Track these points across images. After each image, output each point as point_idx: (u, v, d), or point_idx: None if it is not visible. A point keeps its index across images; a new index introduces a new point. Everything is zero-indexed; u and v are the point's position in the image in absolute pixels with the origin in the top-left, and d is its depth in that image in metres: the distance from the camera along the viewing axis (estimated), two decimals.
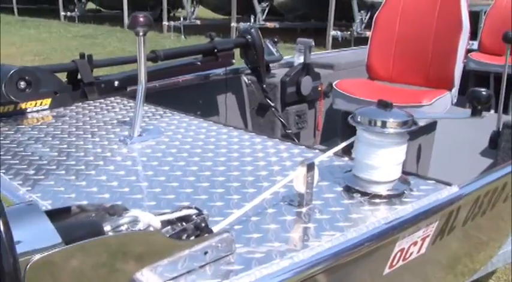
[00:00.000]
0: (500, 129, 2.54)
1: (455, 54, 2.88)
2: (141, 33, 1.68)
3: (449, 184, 1.39)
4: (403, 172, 1.37)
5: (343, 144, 1.36)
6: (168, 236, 0.92)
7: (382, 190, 1.29)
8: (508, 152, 2.47)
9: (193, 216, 0.98)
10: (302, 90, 3.33)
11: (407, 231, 1.25)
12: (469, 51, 4.66)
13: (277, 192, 1.28)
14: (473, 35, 5.06)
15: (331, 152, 1.33)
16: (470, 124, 4.28)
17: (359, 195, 1.30)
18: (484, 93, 1.30)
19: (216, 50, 2.89)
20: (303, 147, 1.71)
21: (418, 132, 2.86)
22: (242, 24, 10.83)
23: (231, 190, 1.34)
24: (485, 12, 5.02)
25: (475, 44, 4.94)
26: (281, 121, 3.15)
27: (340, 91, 2.95)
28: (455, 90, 2.96)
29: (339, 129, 3.15)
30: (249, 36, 3.04)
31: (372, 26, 3.31)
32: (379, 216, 1.20)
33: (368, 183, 1.30)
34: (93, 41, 11.47)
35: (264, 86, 3.17)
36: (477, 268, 2.24)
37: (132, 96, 2.13)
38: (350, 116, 1.32)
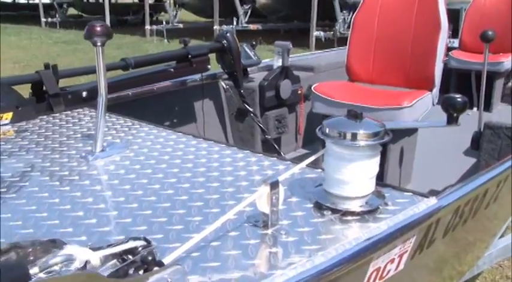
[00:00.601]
0: (481, 130, 2.46)
1: (435, 53, 2.81)
2: (98, 44, 1.58)
3: (426, 196, 1.30)
4: (378, 184, 1.28)
5: (312, 157, 1.26)
6: (109, 272, 0.81)
7: (355, 206, 1.20)
8: (490, 153, 2.39)
9: (140, 249, 0.88)
10: (281, 94, 3.24)
11: (382, 250, 1.16)
12: (450, 49, 4.61)
13: (242, 212, 1.18)
14: (455, 33, 5.03)
15: (297, 168, 1.23)
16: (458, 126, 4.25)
17: (330, 212, 1.20)
18: (459, 99, 1.22)
19: (190, 56, 2.79)
20: (274, 158, 1.61)
21: (399, 135, 2.78)
22: (225, 27, 10.74)
23: (192, 211, 1.24)
24: (465, 10, 4.96)
25: (455, 42, 4.89)
26: (260, 127, 3.06)
27: (319, 94, 2.86)
28: (436, 90, 2.89)
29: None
30: (225, 41, 2.94)
31: (351, 27, 3.23)
32: (350, 236, 1.11)
33: (339, 199, 1.21)
34: (75, 46, 11.30)
35: (242, 91, 3.07)
36: (464, 271, 2.17)
37: None
38: (318, 128, 1.22)
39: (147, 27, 12.81)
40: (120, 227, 1.16)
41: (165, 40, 11.93)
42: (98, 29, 1.56)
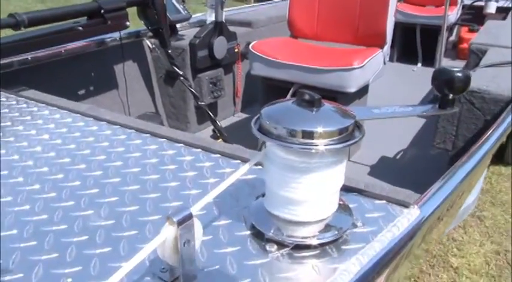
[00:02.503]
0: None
1: (386, 7, 2.39)
2: None
3: (405, 205, 0.91)
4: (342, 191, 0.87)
5: (246, 166, 0.81)
6: None
7: (311, 236, 0.79)
8: (449, 119, 2.04)
9: None
10: (215, 53, 2.75)
11: None
12: None
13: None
14: None
15: (225, 185, 0.78)
16: (403, 82, 3.92)
17: (274, 246, 0.78)
18: (459, 75, 0.81)
19: (102, 11, 2.23)
20: (199, 151, 1.16)
21: (349, 99, 2.39)
22: None
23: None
24: None
25: None
26: (191, 91, 2.58)
27: (258, 54, 2.41)
28: (387, 47, 2.50)
29: (260, 100, 2.63)
30: None
31: None
32: None
33: (288, 226, 0.79)
34: None
35: (170, 50, 2.56)
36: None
37: None
38: (253, 120, 0.78)
39: None
40: None
41: None
42: None
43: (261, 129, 0.74)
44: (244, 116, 3.18)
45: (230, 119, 3.10)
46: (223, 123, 2.98)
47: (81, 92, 2.42)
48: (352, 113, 0.76)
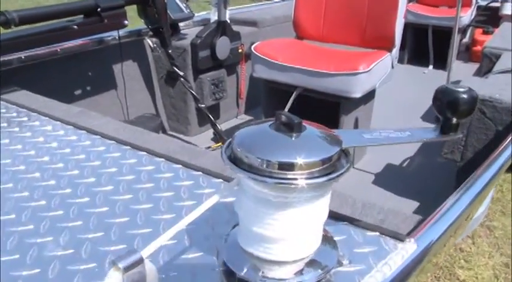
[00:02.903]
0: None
1: (396, 8, 2.27)
2: None
3: (401, 239, 0.80)
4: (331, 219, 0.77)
5: (214, 199, 0.70)
6: None
7: (287, 277, 0.69)
8: (454, 145, 1.92)
9: None
10: (218, 53, 2.65)
11: None
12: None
13: None
14: None
15: (182, 225, 0.66)
16: (413, 85, 3.78)
17: None
18: (464, 96, 0.69)
19: (99, 9, 2.14)
20: (179, 166, 1.06)
21: (354, 104, 2.28)
22: None
23: None
24: None
25: None
26: (192, 93, 2.48)
27: (259, 55, 2.30)
28: (395, 50, 2.38)
29: (262, 103, 2.53)
30: None
31: None
32: None
33: (263, 265, 0.69)
34: None
35: (170, 50, 2.47)
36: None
37: None
38: (225, 145, 0.68)
39: None
40: None
41: None
42: None
43: (233, 157, 0.64)
44: (247, 118, 3.08)
45: (233, 121, 3.01)
46: (225, 125, 2.89)
47: (78, 92, 2.34)
48: (338, 139, 0.65)
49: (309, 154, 0.61)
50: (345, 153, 0.66)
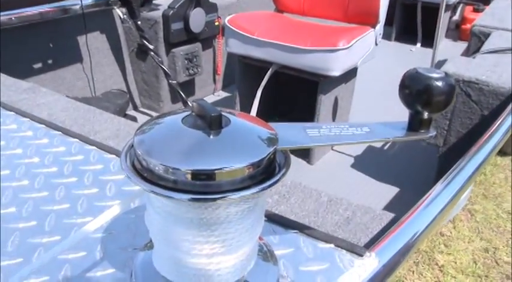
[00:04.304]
0: None
1: None
2: None
3: (359, 253, 0.67)
4: (269, 223, 0.63)
5: (114, 209, 0.54)
6: None
7: None
8: (437, 129, 1.78)
9: None
10: (192, 26, 2.47)
11: None
12: None
13: None
14: None
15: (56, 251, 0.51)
16: (398, 64, 3.62)
17: None
18: (439, 84, 0.53)
19: None
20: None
21: (333, 83, 2.12)
22: None
23: None
24: None
25: None
26: (162, 68, 2.31)
27: (234, 29, 2.13)
28: (380, 26, 2.22)
29: (236, 81, 2.36)
30: None
31: None
32: None
33: None
34: None
35: (139, 22, 2.29)
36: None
37: None
38: (125, 147, 0.52)
39: None
40: None
41: None
42: None
43: (135, 163, 0.49)
44: (225, 94, 2.92)
45: (210, 98, 2.85)
46: None
47: (37, 65, 2.16)
48: (273, 137, 0.50)
49: (231, 158, 0.46)
50: (284, 154, 0.52)
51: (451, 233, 2.20)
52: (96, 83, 2.40)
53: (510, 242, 2.14)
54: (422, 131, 0.58)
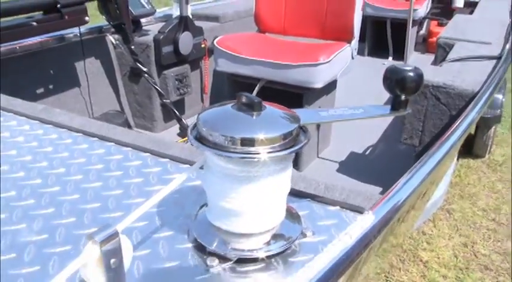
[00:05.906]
0: None
1: (354, 1, 2.35)
2: None
3: (360, 211, 0.86)
4: (289, 194, 0.82)
5: (182, 176, 0.73)
6: None
7: (255, 248, 0.73)
8: (415, 115, 2.01)
9: None
10: (181, 49, 2.68)
11: None
12: None
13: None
14: None
15: (155, 200, 0.70)
16: (373, 76, 3.86)
17: (215, 261, 0.73)
18: (411, 74, 0.76)
19: (59, 5, 2.14)
20: (147, 155, 1.09)
21: (316, 95, 2.34)
22: None
23: None
24: None
25: None
26: (156, 89, 2.50)
27: (222, 49, 2.34)
28: (355, 42, 2.46)
29: (226, 97, 2.56)
30: None
31: None
32: None
33: (230, 238, 0.74)
34: None
35: (133, 46, 2.48)
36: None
37: None
38: (191, 126, 0.72)
39: None
40: None
41: None
42: None
43: (198, 136, 0.68)
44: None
45: None
46: (191, 120, 2.91)
47: (40, 91, 2.32)
48: (296, 116, 0.70)
49: (269, 130, 0.66)
50: (303, 129, 0.71)
51: (432, 231, 2.41)
52: (93, 105, 2.57)
53: (486, 236, 2.36)
54: (401, 109, 0.80)
